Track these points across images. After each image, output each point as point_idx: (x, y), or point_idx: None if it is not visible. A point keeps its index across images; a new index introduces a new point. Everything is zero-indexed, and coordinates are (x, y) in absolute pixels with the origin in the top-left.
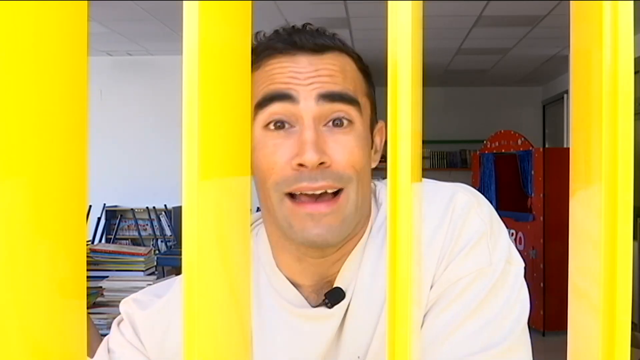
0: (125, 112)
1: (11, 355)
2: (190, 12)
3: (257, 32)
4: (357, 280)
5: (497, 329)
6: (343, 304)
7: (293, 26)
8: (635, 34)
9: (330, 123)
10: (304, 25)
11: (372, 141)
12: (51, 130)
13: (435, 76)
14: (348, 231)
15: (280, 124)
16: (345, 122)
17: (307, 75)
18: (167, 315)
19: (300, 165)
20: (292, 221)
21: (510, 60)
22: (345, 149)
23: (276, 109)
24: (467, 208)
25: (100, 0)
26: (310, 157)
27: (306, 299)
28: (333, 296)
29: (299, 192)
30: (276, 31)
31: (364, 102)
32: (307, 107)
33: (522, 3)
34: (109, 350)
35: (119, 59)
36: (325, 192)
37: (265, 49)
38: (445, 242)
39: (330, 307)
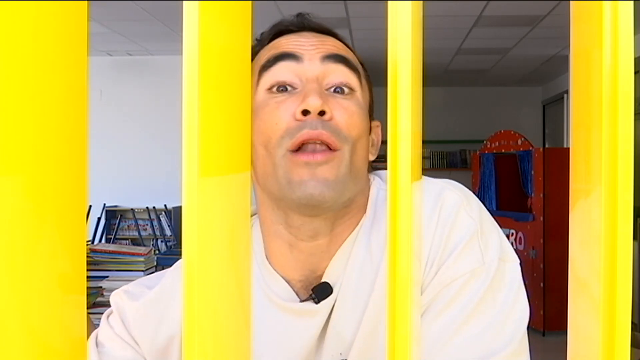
0: (125, 112)
1: (13, 351)
2: (190, 12)
3: (262, 33)
4: (344, 275)
5: (498, 333)
6: (330, 300)
7: (299, 13)
8: (635, 34)
9: (332, 89)
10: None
11: (370, 131)
12: (51, 130)
13: (435, 76)
14: (343, 190)
15: (283, 88)
16: (346, 89)
17: (312, 43)
18: (158, 306)
19: (303, 113)
20: (292, 175)
21: (510, 60)
22: (346, 111)
23: (280, 70)
24: (456, 208)
25: (100, 0)
26: (314, 102)
27: (296, 294)
28: (320, 291)
29: (301, 145)
30: (282, 20)
31: (364, 82)
32: (312, 66)
33: (522, 3)
34: (97, 344)
35: (119, 59)
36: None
37: (272, 29)
38: (434, 245)
39: (317, 303)
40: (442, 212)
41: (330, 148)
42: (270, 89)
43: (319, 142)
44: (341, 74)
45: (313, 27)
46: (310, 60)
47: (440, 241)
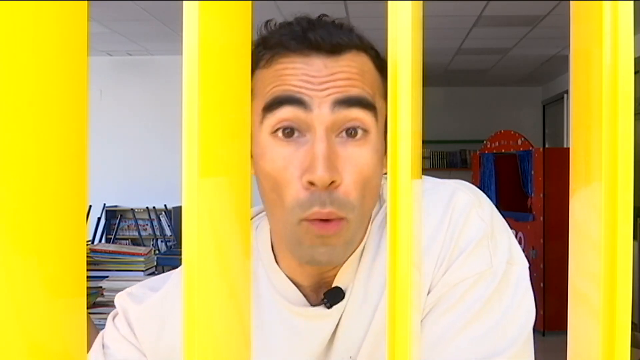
0: (125, 112)
1: (10, 356)
2: (190, 12)
3: (269, 21)
4: (355, 279)
5: (501, 335)
6: (341, 304)
7: (308, 20)
8: (635, 34)
9: (344, 133)
10: (319, 17)
11: (386, 145)
12: (51, 130)
13: (435, 76)
14: (351, 250)
15: (289, 131)
16: (359, 131)
17: (321, 79)
18: (162, 310)
19: (311, 183)
20: (302, 239)
21: (510, 60)
22: (356, 167)
23: (286, 114)
24: (468, 208)
25: (100, 0)
26: (321, 176)
27: (306, 297)
28: (332, 296)
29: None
30: (289, 24)
31: (381, 105)
32: (321, 115)
33: (522, 3)
34: (103, 346)
35: (119, 59)
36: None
37: (276, 45)
38: (444, 246)
39: (329, 307)
40: (453, 213)
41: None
42: (274, 132)
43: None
44: (354, 117)
45: (323, 48)
46: (319, 107)
47: (451, 241)
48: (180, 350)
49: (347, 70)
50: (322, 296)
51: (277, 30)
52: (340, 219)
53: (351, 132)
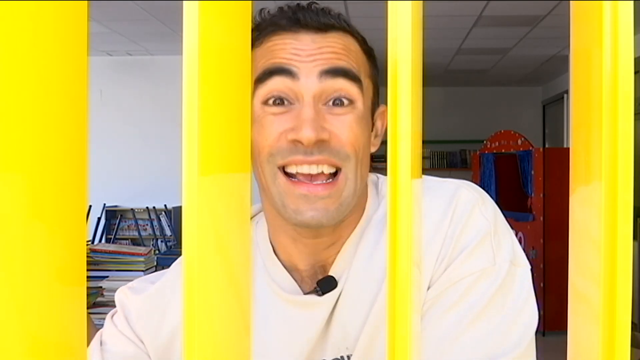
0: (125, 112)
1: (9, 346)
2: (190, 12)
3: (262, 9)
4: (350, 269)
5: (505, 335)
6: (334, 293)
7: (298, 4)
8: (635, 34)
9: (330, 102)
10: (309, 4)
11: (373, 124)
12: (51, 130)
13: (435, 76)
14: (344, 214)
15: (279, 101)
16: (345, 101)
17: (309, 52)
18: (163, 298)
19: (296, 140)
20: (286, 200)
21: (510, 60)
22: (344, 127)
23: (276, 84)
24: (471, 206)
25: (100, 0)
26: (308, 134)
27: (300, 286)
28: (325, 284)
29: (295, 171)
30: (280, 8)
31: (367, 83)
32: (308, 84)
33: (522, 3)
34: (101, 342)
35: (119, 59)
36: (322, 173)
37: (268, 25)
38: (446, 242)
39: (320, 295)
40: (456, 210)
41: (328, 172)
42: (265, 102)
43: (315, 169)
44: (340, 87)
45: (311, 25)
46: (307, 77)
47: (452, 238)
48: (179, 342)
49: (333, 45)
50: (315, 284)
51: (270, 16)
52: (335, 172)
53: (337, 103)
